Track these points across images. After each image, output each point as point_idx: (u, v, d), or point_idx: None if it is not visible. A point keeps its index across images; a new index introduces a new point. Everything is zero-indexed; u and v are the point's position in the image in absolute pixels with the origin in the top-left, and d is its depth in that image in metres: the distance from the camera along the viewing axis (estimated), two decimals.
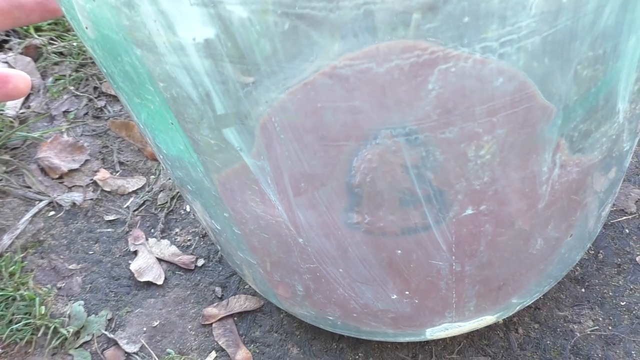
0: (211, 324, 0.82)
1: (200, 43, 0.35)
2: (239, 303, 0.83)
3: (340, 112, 0.38)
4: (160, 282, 0.87)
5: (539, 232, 0.55)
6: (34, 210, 0.96)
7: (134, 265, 0.88)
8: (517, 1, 0.33)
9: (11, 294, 0.85)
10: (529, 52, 0.36)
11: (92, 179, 1.00)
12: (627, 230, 0.81)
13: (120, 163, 1.02)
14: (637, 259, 0.79)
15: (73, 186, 0.99)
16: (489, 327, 0.76)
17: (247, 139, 0.42)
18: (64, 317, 0.84)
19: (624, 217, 0.82)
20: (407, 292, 0.57)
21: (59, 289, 0.88)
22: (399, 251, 0.51)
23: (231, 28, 0.34)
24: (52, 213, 0.97)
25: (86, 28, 0.42)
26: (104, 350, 0.81)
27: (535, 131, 0.42)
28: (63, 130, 1.05)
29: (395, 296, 0.58)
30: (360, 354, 0.76)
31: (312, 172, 0.43)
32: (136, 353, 0.80)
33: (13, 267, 0.89)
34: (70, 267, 0.91)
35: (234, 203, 0.52)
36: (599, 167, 0.53)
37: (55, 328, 0.82)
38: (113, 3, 0.36)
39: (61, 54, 1.15)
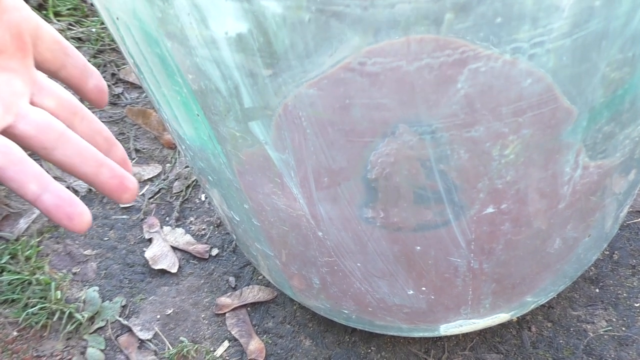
0: (224, 313, 0.82)
1: (232, 37, 0.36)
2: (253, 293, 0.83)
3: (368, 109, 0.38)
4: (174, 271, 0.87)
5: (558, 232, 0.55)
6: None
7: (148, 253, 0.89)
8: (551, 3, 0.33)
9: (27, 277, 0.86)
10: (559, 53, 0.36)
11: None
12: None
13: (137, 150, 1.02)
14: None
15: None
16: (502, 325, 0.76)
17: (272, 131, 0.43)
18: (79, 302, 0.85)
19: None
20: (423, 288, 0.58)
21: (74, 274, 0.89)
22: (418, 247, 0.52)
23: (264, 23, 0.34)
24: None
25: (117, 19, 0.42)
26: (117, 336, 0.82)
27: (560, 132, 0.42)
28: None
29: (411, 292, 0.58)
30: (372, 348, 0.77)
31: (336, 167, 0.43)
32: (150, 340, 0.81)
33: (29, 251, 0.90)
34: (86, 252, 0.91)
35: (255, 195, 0.52)
36: (620, 168, 0.53)
37: (70, 313, 0.83)
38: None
39: (80, 39, 1.16)
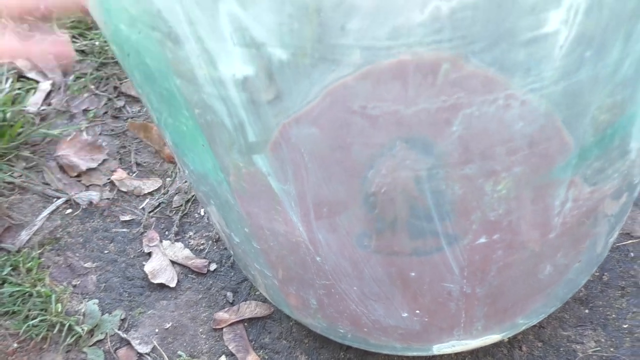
0: (222, 328, 0.84)
1: (239, 79, 0.37)
2: (250, 309, 0.85)
3: (368, 148, 0.40)
4: (173, 285, 0.89)
5: (549, 259, 0.56)
6: (52, 207, 0.98)
7: (148, 267, 0.91)
8: (543, 54, 0.35)
9: (28, 290, 0.87)
10: (551, 99, 0.38)
11: (109, 179, 1.02)
12: (632, 254, 0.83)
13: (137, 164, 1.04)
14: None
15: (90, 185, 1.01)
16: (494, 344, 0.78)
17: (275, 164, 0.44)
18: (79, 314, 0.87)
19: (630, 241, 0.84)
20: (417, 311, 0.59)
21: (74, 286, 0.90)
22: (413, 273, 0.53)
23: (270, 67, 0.36)
24: (69, 211, 0.99)
25: (128, 55, 0.44)
26: (116, 349, 0.84)
27: (550, 169, 0.44)
28: (82, 128, 1.07)
29: (406, 314, 0.60)
30: None
31: (336, 199, 0.45)
32: (148, 354, 0.83)
33: (30, 263, 0.91)
34: (86, 265, 0.93)
35: (256, 220, 0.54)
36: (609, 199, 0.54)
37: (70, 325, 0.84)
38: (159, 37, 0.38)
39: (83, 52, 1.17)
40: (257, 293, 0.87)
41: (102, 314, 0.87)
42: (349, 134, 0.39)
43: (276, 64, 0.35)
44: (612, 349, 0.75)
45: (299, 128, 0.40)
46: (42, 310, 0.86)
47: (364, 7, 0.31)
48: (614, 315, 0.78)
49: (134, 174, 1.03)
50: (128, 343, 0.84)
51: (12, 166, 1.02)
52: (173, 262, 0.91)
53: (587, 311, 0.79)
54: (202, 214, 0.97)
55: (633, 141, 0.48)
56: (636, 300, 0.79)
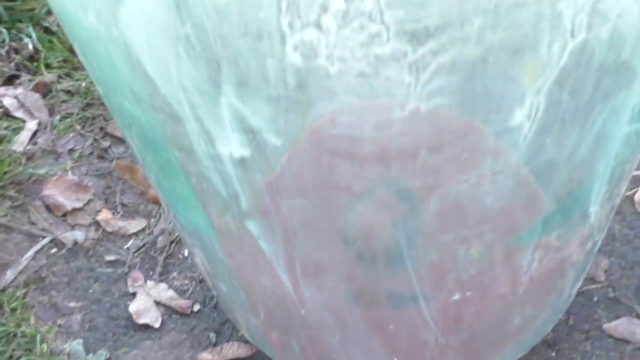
0: None
1: (236, 158, 0.41)
2: (232, 350, 0.87)
3: (352, 220, 0.44)
4: (157, 325, 0.91)
5: (518, 311, 0.61)
6: (37, 246, 1.00)
7: (132, 307, 0.93)
8: (509, 144, 0.39)
9: (12, 329, 0.89)
10: (517, 179, 0.42)
11: (94, 219, 1.04)
12: (595, 298, 0.88)
13: (123, 204, 1.06)
14: (603, 326, 0.85)
15: (76, 225, 1.03)
16: None
17: (265, 228, 0.48)
18: (64, 354, 0.88)
19: (594, 286, 0.89)
20: (395, 359, 0.63)
21: (59, 326, 0.92)
22: (392, 326, 0.57)
23: (265, 150, 0.40)
24: (54, 250, 1.01)
25: (129, 125, 0.47)
26: None
27: (518, 235, 0.48)
28: (68, 168, 1.10)
29: None
30: None
31: (323, 261, 0.49)
32: None
33: (15, 302, 0.92)
34: (70, 304, 0.95)
35: (244, 274, 0.57)
36: (573, 255, 0.59)
37: None
38: (161, 117, 0.42)
39: (69, 92, 1.20)
40: (239, 334, 0.89)
41: (87, 354, 0.89)
42: (334, 206, 0.43)
43: (271, 148, 0.39)
44: None
45: (290, 199, 0.43)
46: (26, 350, 0.87)
47: (352, 105, 0.35)
48: (579, 358, 0.83)
49: (119, 214, 1.05)
50: None
51: None
52: (157, 303, 0.94)
53: (553, 354, 0.83)
54: (186, 254, 0.99)
55: (592, 206, 0.53)
56: (599, 343, 0.84)
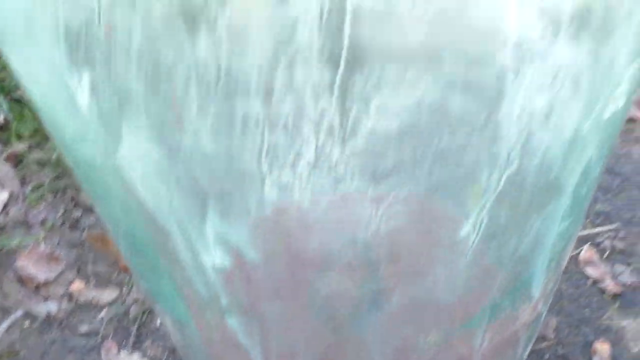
0: None
1: (218, 267, 0.46)
2: None
3: (326, 318, 0.49)
4: None
5: None
6: (11, 320, 1.02)
7: None
8: (458, 251, 0.45)
9: None
10: (465, 278, 0.48)
11: (67, 290, 1.06)
12: (546, 356, 0.94)
13: (95, 274, 1.09)
14: None
15: (49, 296, 1.05)
16: None
17: (243, 324, 0.52)
18: None
19: (544, 344, 0.95)
20: None
21: None
22: None
23: (245, 263, 0.45)
24: (27, 322, 1.03)
25: (117, 227, 0.52)
26: None
27: (469, 322, 0.54)
28: (40, 239, 1.12)
29: None
30: None
31: (298, 352, 0.54)
32: None
33: None
34: None
35: None
36: (520, 331, 0.65)
37: None
38: (150, 234, 0.46)
39: (40, 163, 1.23)
40: None
41: None
42: (307, 307, 0.48)
43: (250, 261, 0.44)
44: None
45: (268, 302, 0.48)
46: None
47: (324, 229, 0.41)
48: None
49: (92, 284, 1.08)
50: None
51: None
52: None
53: None
54: (159, 324, 1.02)
55: (534, 289, 0.59)
56: None
